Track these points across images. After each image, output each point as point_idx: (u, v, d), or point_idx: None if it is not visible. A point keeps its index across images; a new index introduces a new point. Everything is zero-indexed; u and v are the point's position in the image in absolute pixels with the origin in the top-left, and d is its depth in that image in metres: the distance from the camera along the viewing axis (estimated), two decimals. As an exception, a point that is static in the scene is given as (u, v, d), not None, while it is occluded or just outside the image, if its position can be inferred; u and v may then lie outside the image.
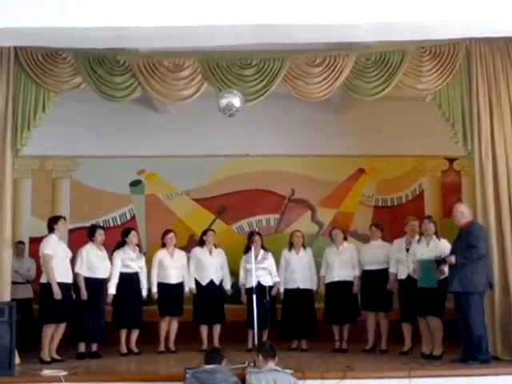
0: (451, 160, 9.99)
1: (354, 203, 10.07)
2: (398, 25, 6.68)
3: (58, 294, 7.28)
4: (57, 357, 7.36)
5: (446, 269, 6.98)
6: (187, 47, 7.38)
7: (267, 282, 8.31)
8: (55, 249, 7.45)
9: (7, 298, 7.08)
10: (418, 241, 7.56)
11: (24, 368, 6.77)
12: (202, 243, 8.65)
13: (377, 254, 8.13)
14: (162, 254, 8.49)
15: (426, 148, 9.60)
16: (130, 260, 8.22)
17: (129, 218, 9.99)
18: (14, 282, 8.21)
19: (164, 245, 8.55)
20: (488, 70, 7.49)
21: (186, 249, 8.93)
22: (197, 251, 8.62)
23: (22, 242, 9.27)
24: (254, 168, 9.96)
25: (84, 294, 7.63)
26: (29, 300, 8.80)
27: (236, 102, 6.85)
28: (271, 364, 5.43)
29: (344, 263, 8.25)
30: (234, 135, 9.51)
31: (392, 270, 7.92)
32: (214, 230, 8.86)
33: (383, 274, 8.01)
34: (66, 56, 7.55)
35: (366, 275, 8.18)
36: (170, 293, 8.37)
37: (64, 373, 6.23)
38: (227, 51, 7.55)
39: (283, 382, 5.28)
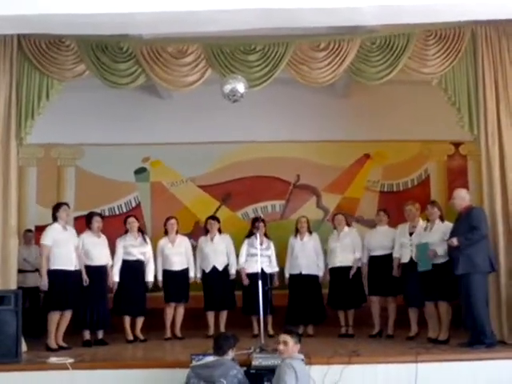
0: (457, 144, 9.96)
1: (359, 189, 10.05)
2: (403, 7, 6.60)
3: (44, 285, 7.36)
4: (63, 344, 7.39)
5: (439, 250, 7.05)
6: (191, 33, 7.32)
7: (268, 269, 8.29)
8: (55, 238, 7.45)
9: (13, 286, 7.10)
10: (425, 228, 7.55)
11: (31, 355, 6.79)
12: (206, 232, 8.67)
13: (383, 239, 8.12)
14: (163, 242, 8.52)
15: (431, 132, 9.55)
16: (131, 247, 8.24)
17: (134, 205, 10.00)
18: (23, 270, 8.28)
19: (166, 232, 8.56)
20: (494, 53, 7.43)
21: (192, 235, 8.94)
22: (201, 240, 8.66)
23: (30, 231, 9.29)
24: (259, 154, 9.94)
25: (85, 280, 7.65)
26: (37, 288, 8.75)
27: (240, 87, 6.82)
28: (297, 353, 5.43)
29: (345, 248, 8.26)
30: (238, 121, 9.46)
31: (396, 254, 7.91)
32: (215, 218, 8.82)
33: (390, 259, 7.99)
34: (69, 43, 7.53)
35: (373, 260, 8.18)
36: (174, 279, 8.38)
37: (71, 360, 6.25)
38: (231, 36, 7.49)
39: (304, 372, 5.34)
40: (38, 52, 7.47)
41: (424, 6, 6.62)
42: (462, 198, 7.07)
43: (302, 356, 5.45)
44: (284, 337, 5.39)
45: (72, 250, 7.55)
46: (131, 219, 8.45)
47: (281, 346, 5.35)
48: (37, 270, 8.82)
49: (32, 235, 9.20)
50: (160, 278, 8.37)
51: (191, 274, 8.49)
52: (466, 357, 6.26)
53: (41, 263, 7.45)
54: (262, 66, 7.59)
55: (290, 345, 5.34)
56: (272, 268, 8.46)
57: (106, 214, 9.46)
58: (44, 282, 7.36)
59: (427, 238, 7.37)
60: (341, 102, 9.81)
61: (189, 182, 10.04)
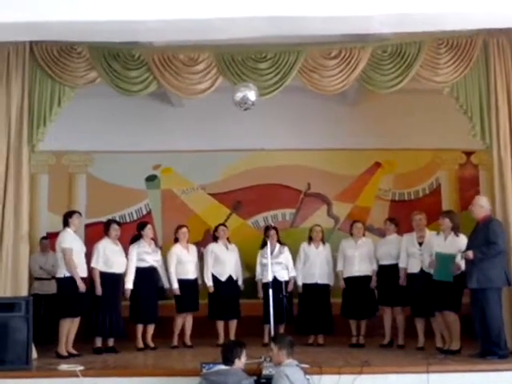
0: (469, 153, 9.88)
1: (370, 197, 10.00)
2: (414, 16, 6.58)
3: (82, 287, 7.35)
4: (74, 351, 7.38)
5: (462, 264, 6.87)
6: (202, 40, 7.35)
7: (283, 276, 8.26)
8: (72, 243, 7.47)
9: (25, 292, 7.11)
10: (437, 233, 7.47)
11: (41, 362, 6.79)
12: (215, 239, 8.63)
13: (392, 248, 8.05)
14: (178, 249, 8.42)
15: (443, 141, 9.51)
16: (145, 254, 8.21)
17: (145, 212, 9.98)
18: (39, 278, 8.28)
19: (177, 240, 8.51)
20: (506, 61, 7.40)
21: (202, 243, 8.93)
22: (213, 247, 8.57)
23: (45, 238, 9.25)
24: (270, 162, 9.91)
25: (99, 289, 7.66)
26: (52, 295, 8.49)
27: (251, 95, 6.84)
28: (290, 360, 5.40)
29: (363, 258, 8.23)
30: (249, 129, 9.45)
31: (402, 264, 7.84)
32: (225, 225, 8.82)
33: (397, 268, 7.92)
34: (81, 51, 7.56)
35: (382, 270, 8.13)
36: (189, 288, 8.33)
37: (81, 367, 6.23)
38: (242, 44, 7.51)
39: (300, 378, 5.29)
40: (50, 59, 7.51)
41: (435, 14, 6.60)
42: (481, 205, 6.91)
43: (295, 362, 5.43)
44: (271, 344, 5.56)
45: (83, 256, 7.57)
46: (149, 226, 8.47)
47: (270, 353, 5.53)
48: (53, 278, 8.82)
49: (47, 242, 9.15)
50: (176, 286, 8.28)
51: (200, 281, 8.47)
52: (478, 368, 6.19)
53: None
54: (273, 73, 7.60)
55: (274, 352, 5.44)
56: (289, 273, 8.38)
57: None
58: (80, 284, 7.33)
59: (443, 249, 7.20)
60: (351, 110, 9.79)
61: (199, 190, 10.02)
